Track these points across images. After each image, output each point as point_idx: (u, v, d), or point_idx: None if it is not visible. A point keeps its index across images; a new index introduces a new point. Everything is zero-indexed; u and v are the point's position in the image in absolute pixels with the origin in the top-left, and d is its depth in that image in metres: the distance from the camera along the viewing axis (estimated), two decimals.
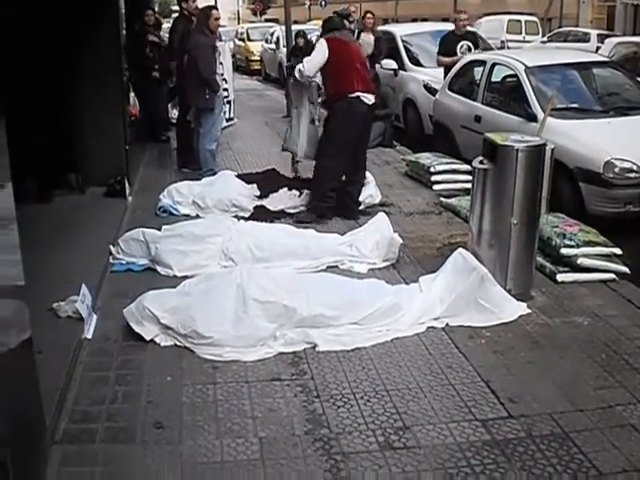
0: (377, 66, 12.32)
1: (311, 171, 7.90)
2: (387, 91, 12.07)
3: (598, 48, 18.86)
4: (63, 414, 3.98)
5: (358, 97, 7.32)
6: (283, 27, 17.05)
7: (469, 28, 12.62)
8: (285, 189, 7.95)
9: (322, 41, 7.52)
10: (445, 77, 10.92)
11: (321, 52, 7.41)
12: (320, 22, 12.91)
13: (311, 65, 7.49)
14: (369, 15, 12.50)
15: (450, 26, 11.97)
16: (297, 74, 7.70)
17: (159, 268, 6.07)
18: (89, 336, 4.90)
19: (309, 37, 14.53)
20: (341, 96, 7.36)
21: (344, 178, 7.70)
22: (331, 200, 7.59)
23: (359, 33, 12.35)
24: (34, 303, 3.62)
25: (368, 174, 8.12)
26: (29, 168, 6.96)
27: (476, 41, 11.70)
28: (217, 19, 9.17)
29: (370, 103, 7.42)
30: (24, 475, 3.18)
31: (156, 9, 17.52)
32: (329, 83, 7.59)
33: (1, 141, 3.13)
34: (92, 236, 6.61)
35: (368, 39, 12.12)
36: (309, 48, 13.62)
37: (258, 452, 3.69)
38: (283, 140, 8.56)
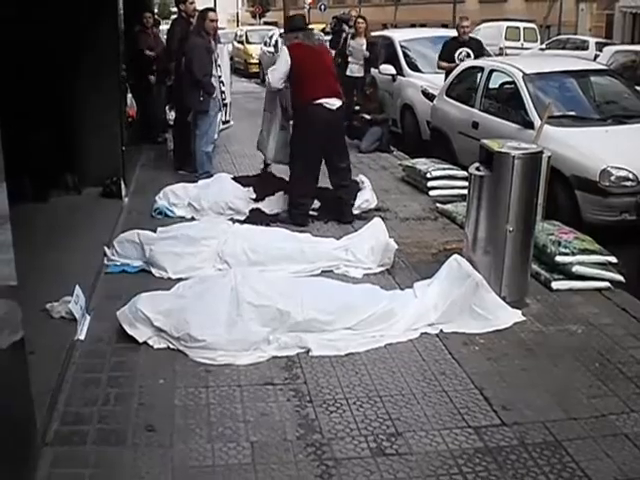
0: (375, 71, 12.38)
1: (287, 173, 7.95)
2: (384, 96, 12.09)
3: (596, 56, 18.88)
4: (54, 415, 3.97)
5: (320, 104, 7.24)
6: (282, 30, 17.05)
7: (472, 35, 12.66)
8: (281, 192, 7.92)
9: (284, 49, 7.47)
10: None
11: (284, 61, 7.34)
12: (318, 26, 12.99)
13: (276, 75, 7.45)
14: (360, 20, 12.61)
15: (449, 32, 12.00)
16: (267, 84, 7.67)
17: (154, 270, 6.05)
18: (82, 337, 4.88)
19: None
20: (303, 104, 7.32)
21: (331, 185, 7.72)
22: (305, 207, 7.57)
23: (352, 37, 12.46)
24: (27, 303, 3.61)
25: (364, 178, 8.12)
26: (25, 167, 6.95)
27: (479, 49, 11.72)
28: (212, 21, 9.19)
29: (334, 108, 7.33)
30: (14, 476, 3.16)
31: (155, 11, 17.54)
32: (292, 91, 7.52)
33: None
34: (87, 237, 6.60)
35: (358, 44, 12.25)
36: None
37: (250, 456, 3.68)
38: (257, 140, 8.58)
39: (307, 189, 7.59)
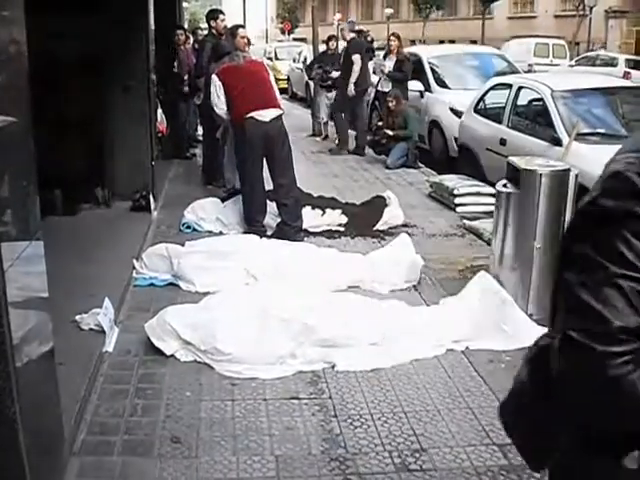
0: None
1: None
2: (409, 112, 12.08)
3: (626, 73, 18.77)
4: (82, 426, 4.01)
5: (252, 117, 7.21)
6: (311, 46, 17.16)
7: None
8: (309, 208, 7.95)
9: (213, 77, 7.56)
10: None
11: (216, 87, 7.41)
12: (345, 43, 13.13)
13: (219, 106, 7.46)
14: (392, 38, 12.88)
15: (478, 48, 12.05)
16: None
17: (181, 283, 6.10)
18: (110, 349, 4.93)
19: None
20: (237, 121, 7.36)
21: (275, 202, 7.63)
22: (259, 222, 7.50)
23: (384, 56, 12.61)
24: (57, 315, 3.67)
25: (391, 194, 8.14)
26: (57, 180, 7.05)
27: None
28: (243, 38, 9.26)
29: (268, 119, 7.26)
30: None
31: (186, 26, 17.74)
32: (229, 111, 7.49)
33: (29, 153, 3.18)
34: (116, 250, 6.66)
35: (382, 62, 12.70)
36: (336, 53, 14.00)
37: (274, 470, 3.69)
38: None
39: (257, 204, 7.52)
